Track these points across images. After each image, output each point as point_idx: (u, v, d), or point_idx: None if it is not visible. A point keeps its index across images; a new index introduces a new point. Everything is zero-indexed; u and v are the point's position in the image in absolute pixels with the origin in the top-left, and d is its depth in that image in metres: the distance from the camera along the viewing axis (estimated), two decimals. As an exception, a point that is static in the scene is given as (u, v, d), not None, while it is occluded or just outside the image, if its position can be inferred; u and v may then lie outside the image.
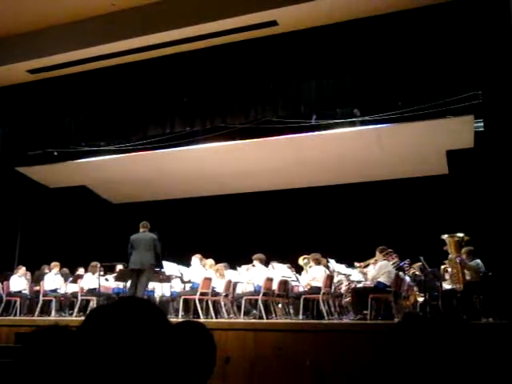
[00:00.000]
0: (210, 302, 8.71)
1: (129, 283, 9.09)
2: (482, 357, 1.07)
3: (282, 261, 9.66)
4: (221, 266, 9.57)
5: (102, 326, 1.07)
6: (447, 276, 8.58)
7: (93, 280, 9.94)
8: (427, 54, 7.07)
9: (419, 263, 9.48)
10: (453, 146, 10.22)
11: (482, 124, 9.05)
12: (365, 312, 8.00)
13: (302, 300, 8.50)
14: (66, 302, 10.44)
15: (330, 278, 8.82)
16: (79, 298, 9.81)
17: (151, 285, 10.10)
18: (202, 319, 7.92)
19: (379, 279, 8.32)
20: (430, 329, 1.08)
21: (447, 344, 1.05)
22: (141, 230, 8.97)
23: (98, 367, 1.03)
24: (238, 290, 9.52)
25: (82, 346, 1.06)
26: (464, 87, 7.55)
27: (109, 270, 10.52)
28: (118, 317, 1.08)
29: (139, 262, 8.65)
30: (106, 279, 10.29)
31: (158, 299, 10.04)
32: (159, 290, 10.25)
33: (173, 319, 7.90)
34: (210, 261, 9.56)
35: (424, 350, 1.05)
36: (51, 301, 10.09)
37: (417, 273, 9.91)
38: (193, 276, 9.00)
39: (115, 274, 10.18)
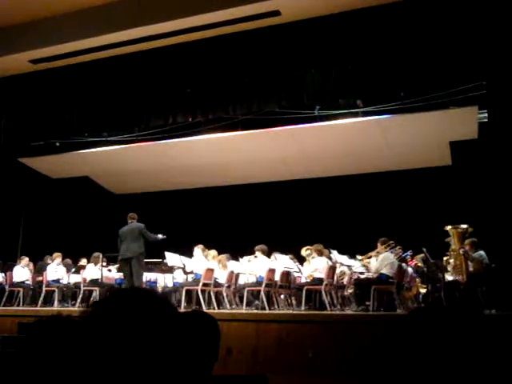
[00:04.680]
0: (212, 293, 8.73)
1: (123, 275, 9.20)
2: (486, 348, 1.06)
3: (285, 252, 9.67)
4: (223, 256, 9.58)
5: (109, 316, 1.06)
6: (450, 267, 8.58)
7: (95, 271, 9.96)
8: (431, 44, 7.01)
9: (422, 254, 9.49)
10: (456, 137, 10.17)
11: (486, 115, 9.01)
12: (367, 303, 8.00)
13: (304, 291, 8.51)
14: (69, 293, 10.48)
15: (332, 269, 8.82)
16: (82, 288, 9.84)
17: (153, 275, 10.12)
18: (204, 310, 7.93)
19: (382, 271, 8.31)
20: (436, 320, 1.07)
21: (452, 336, 1.04)
22: (128, 221, 9.06)
23: (102, 355, 1.02)
24: (241, 281, 9.54)
25: (88, 336, 1.05)
26: (468, 77, 7.50)
27: (111, 260, 10.54)
28: (125, 306, 1.07)
29: (126, 251, 8.78)
30: (109, 270, 10.32)
31: (160, 290, 10.07)
32: (161, 280, 10.28)
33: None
34: (213, 252, 9.57)
35: (429, 340, 1.03)
36: (54, 291, 10.12)
37: (419, 264, 9.91)
38: (195, 267, 9.01)
39: (118, 265, 10.21)
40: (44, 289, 10.08)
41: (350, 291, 9.40)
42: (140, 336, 1.03)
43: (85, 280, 9.98)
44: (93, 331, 1.04)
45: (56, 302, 9.98)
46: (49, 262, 10.85)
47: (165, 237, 9.17)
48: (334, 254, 9.12)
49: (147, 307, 1.07)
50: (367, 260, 9.27)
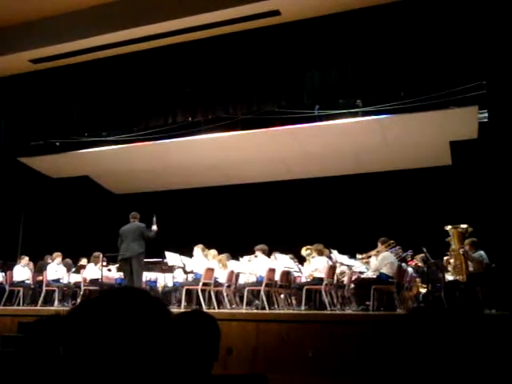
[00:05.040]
0: (212, 293, 8.73)
1: (123, 274, 9.15)
2: (486, 348, 1.06)
3: (285, 251, 9.67)
4: (223, 256, 9.59)
5: (96, 317, 1.06)
6: (450, 267, 8.58)
7: (95, 270, 9.96)
8: (431, 43, 7.01)
9: (422, 254, 9.49)
10: (456, 137, 10.18)
11: (486, 115, 9.01)
12: (367, 303, 8.00)
13: (304, 291, 8.51)
14: (69, 292, 10.48)
15: (332, 268, 8.82)
16: (82, 288, 9.85)
17: (153, 275, 10.12)
18: (204, 310, 7.93)
19: (382, 270, 8.32)
20: (435, 320, 1.07)
21: (452, 335, 1.04)
22: (130, 220, 9.02)
23: (98, 357, 1.02)
24: (241, 281, 9.54)
25: (79, 338, 1.04)
26: (468, 77, 7.50)
27: (111, 260, 10.54)
28: (113, 307, 1.07)
29: (125, 251, 8.71)
30: (109, 269, 10.32)
31: (160, 289, 10.08)
32: (161, 280, 10.28)
33: (175, 310, 7.92)
34: (213, 251, 9.57)
35: (428, 339, 1.03)
36: (54, 291, 10.12)
37: (419, 264, 9.91)
38: (195, 266, 9.01)
39: (118, 265, 10.20)
40: (44, 288, 10.08)
41: (350, 290, 9.40)
42: (136, 335, 1.03)
43: (85, 280, 9.98)
44: (86, 330, 1.04)
45: (56, 302, 9.98)
46: (49, 261, 10.86)
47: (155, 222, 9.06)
48: (335, 254, 9.12)
49: (141, 306, 1.07)
50: (366, 260, 9.29)
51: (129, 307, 1.06)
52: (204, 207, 13.17)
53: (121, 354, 1.01)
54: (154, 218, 9.00)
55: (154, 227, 8.92)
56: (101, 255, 9.98)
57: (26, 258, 10.89)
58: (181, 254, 9.29)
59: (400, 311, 7.81)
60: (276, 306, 8.81)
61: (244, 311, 8.17)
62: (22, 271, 10.62)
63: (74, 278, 10.50)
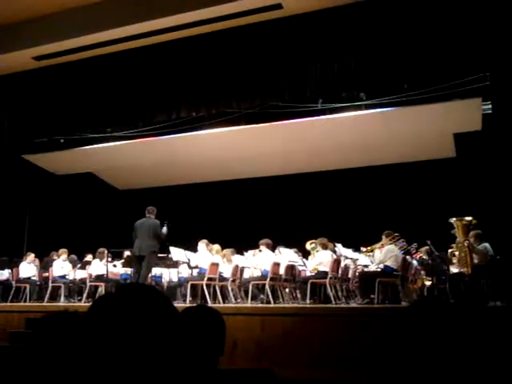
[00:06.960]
0: (217, 287, 8.76)
1: (133, 270, 9.13)
2: (490, 341, 1.06)
3: (289, 245, 9.68)
4: (228, 251, 9.60)
5: (106, 314, 1.07)
6: (455, 260, 8.57)
7: (101, 266, 10.01)
8: (434, 35, 6.99)
9: (426, 247, 9.48)
10: (460, 129, 10.14)
11: (489, 106, 8.98)
12: (372, 296, 8.01)
13: (309, 284, 8.51)
14: (75, 288, 10.52)
15: (337, 262, 8.82)
16: (88, 284, 9.89)
17: (158, 270, 10.15)
18: (209, 304, 7.96)
19: (386, 263, 8.32)
20: (438, 312, 1.08)
21: (456, 328, 1.05)
22: (146, 215, 8.95)
23: (105, 354, 1.03)
24: (246, 275, 9.55)
25: (89, 334, 1.06)
26: (472, 69, 7.47)
27: (116, 256, 10.59)
28: (121, 304, 1.08)
29: (138, 249, 8.65)
30: (114, 265, 10.36)
31: (165, 285, 10.11)
32: (166, 275, 10.31)
33: (180, 305, 7.95)
34: (217, 246, 9.59)
35: (431, 332, 1.04)
36: (60, 287, 10.17)
37: (424, 257, 9.91)
38: (200, 261, 9.03)
39: (123, 260, 10.25)
40: (50, 284, 10.13)
41: (354, 284, 9.41)
42: (142, 331, 1.04)
43: (90, 275, 10.03)
44: (96, 326, 1.06)
45: (62, 298, 10.04)
46: (55, 258, 10.91)
47: (166, 226, 9.00)
48: (339, 248, 9.13)
49: (149, 303, 1.08)
50: (370, 253, 9.29)
51: (138, 306, 1.07)
52: (208, 202, 13.19)
53: (132, 350, 1.02)
54: (165, 225, 8.93)
55: (164, 230, 8.89)
56: (106, 251, 10.02)
57: (32, 255, 10.94)
58: (185, 249, 9.31)
59: (405, 304, 7.82)
60: (281, 300, 8.83)
61: (249, 305, 8.19)
62: (28, 268, 10.68)
63: (80, 274, 10.54)
